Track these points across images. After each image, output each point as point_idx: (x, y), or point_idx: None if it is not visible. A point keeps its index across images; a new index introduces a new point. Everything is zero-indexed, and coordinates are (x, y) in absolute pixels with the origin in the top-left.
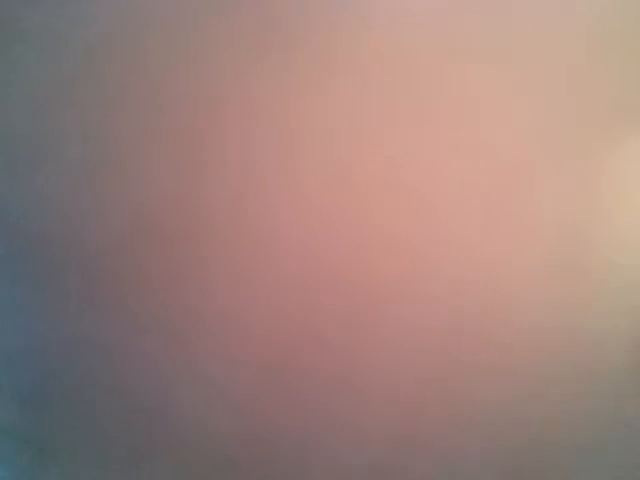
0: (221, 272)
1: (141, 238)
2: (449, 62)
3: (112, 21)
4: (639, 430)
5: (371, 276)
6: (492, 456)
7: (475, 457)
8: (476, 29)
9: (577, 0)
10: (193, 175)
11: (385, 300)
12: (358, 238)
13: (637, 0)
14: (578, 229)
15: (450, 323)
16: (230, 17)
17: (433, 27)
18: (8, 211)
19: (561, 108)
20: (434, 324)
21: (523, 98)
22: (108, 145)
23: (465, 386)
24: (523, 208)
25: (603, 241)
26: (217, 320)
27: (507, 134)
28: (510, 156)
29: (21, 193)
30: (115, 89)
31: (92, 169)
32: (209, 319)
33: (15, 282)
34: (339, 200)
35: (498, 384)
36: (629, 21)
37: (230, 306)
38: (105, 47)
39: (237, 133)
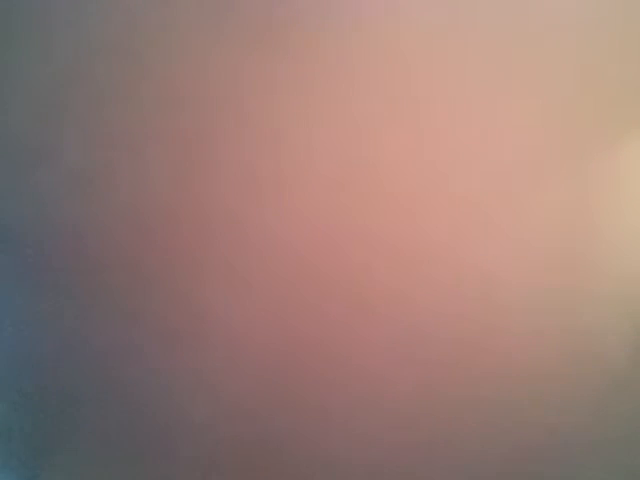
0: (218, 278)
1: (141, 242)
2: (446, 62)
3: (112, 23)
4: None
5: (368, 283)
6: (492, 458)
7: (475, 460)
8: (474, 29)
9: (580, 0)
10: (190, 181)
11: (381, 306)
12: (356, 245)
13: (637, 1)
14: (577, 230)
15: (446, 329)
16: (230, 19)
17: (430, 26)
18: (7, 213)
19: (560, 109)
20: (430, 329)
21: (522, 100)
22: (107, 146)
23: (462, 391)
24: (523, 209)
25: (604, 242)
26: (217, 324)
27: (506, 133)
28: (509, 155)
29: (21, 195)
30: (114, 91)
31: (91, 170)
32: (209, 323)
33: (14, 284)
34: (336, 205)
35: (497, 388)
36: (631, 23)
37: (229, 310)
38: (104, 49)
39: (232, 137)
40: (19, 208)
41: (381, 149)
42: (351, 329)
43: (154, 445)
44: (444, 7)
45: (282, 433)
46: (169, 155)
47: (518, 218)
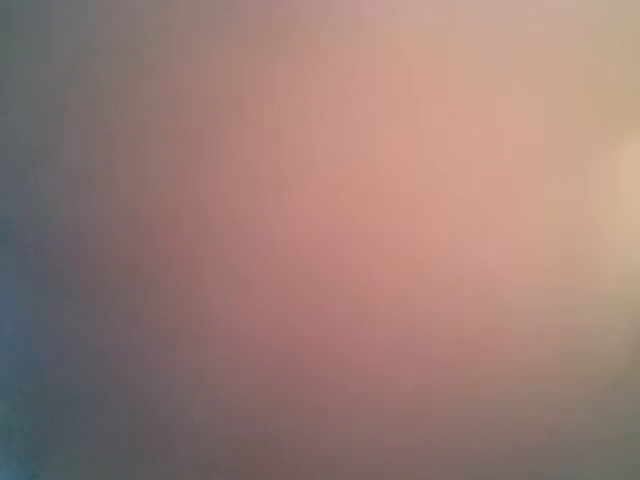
0: (218, 278)
1: (141, 242)
2: (446, 62)
3: (112, 23)
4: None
5: (368, 283)
6: (492, 458)
7: (475, 460)
8: (474, 30)
9: (580, 0)
10: (190, 181)
11: (381, 306)
12: (356, 245)
13: (637, 1)
14: (577, 230)
15: (446, 329)
16: (230, 19)
17: (430, 26)
18: (7, 213)
19: (560, 109)
20: (430, 329)
21: (522, 100)
22: (107, 146)
23: (462, 391)
24: (523, 209)
25: (604, 242)
26: (217, 324)
27: (506, 133)
28: (509, 155)
29: (21, 195)
30: (114, 91)
31: (91, 170)
32: (209, 323)
33: (14, 284)
34: (336, 205)
35: (497, 388)
36: (631, 23)
37: (229, 310)
38: (104, 49)
39: (232, 137)
40: (19, 208)
41: (381, 149)
42: (351, 329)
43: (154, 445)
44: (444, 7)
45: (282, 433)
46: (169, 155)
47: (518, 218)
